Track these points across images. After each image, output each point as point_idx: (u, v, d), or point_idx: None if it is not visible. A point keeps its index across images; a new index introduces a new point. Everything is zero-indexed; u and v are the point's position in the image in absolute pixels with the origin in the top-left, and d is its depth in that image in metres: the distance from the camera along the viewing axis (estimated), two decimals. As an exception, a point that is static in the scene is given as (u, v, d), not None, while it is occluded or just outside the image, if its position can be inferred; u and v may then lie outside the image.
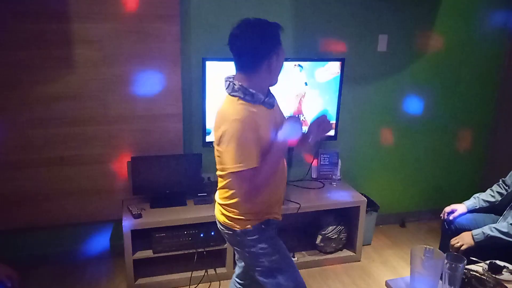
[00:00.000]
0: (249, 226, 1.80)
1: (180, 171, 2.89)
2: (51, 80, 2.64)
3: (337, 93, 3.06)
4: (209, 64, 2.75)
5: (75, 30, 2.60)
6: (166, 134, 2.91)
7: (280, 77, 1.81)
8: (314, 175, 3.31)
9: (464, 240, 2.35)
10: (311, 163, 3.27)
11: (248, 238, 1.81)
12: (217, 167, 1.81)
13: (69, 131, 2.74)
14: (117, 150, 2.85)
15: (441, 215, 2.67)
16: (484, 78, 3.57)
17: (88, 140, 2.78)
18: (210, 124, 2.87)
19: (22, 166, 2.72)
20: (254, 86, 1.71)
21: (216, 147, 1.75)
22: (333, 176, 3.26)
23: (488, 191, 2.63)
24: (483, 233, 2.30)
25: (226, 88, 1.77)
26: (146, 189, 2.86)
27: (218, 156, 1.75)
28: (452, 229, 2.58)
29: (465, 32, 3.39)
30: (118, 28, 2.66)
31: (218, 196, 1.90)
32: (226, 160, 1.66)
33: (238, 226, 1.81)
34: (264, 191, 1.70)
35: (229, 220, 1.83)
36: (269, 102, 1.77)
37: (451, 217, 2.59)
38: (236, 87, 1.71)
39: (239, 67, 1.76)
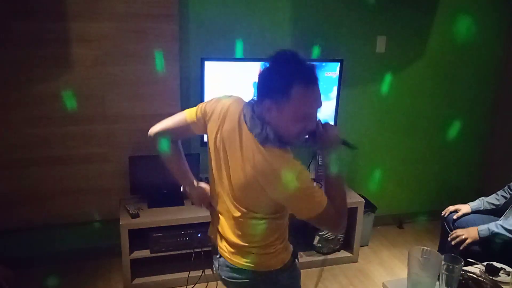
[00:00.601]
0: (284, 261, 1.60)
1: (178, 171, 2.88)
2: (49, 79, 2.63)
3: (335, 94, 3.06)
4: (207, 64, 2.75)
5: (74, 29, 2.60)
6: (164, 133, 2.90)
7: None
8: (312, 176, 3.30)
9: (469, 234, 2.40)
10: (309, 164, 3.27)
11: (286, 274, 1.61)
12: (230, 205, 1.56)
13: (66, 130, 2.73)
14: (115, 149, 2.84)
15: (443, 213, 2.69)
16: (483, 79, 3.58)
17: (86, 139, 2.78)
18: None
19: (19, 165, 2.71)
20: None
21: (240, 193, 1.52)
22: (331, 177, 3.25)
23: (494, 195, 2.65)
24: (489, 229, 2.35)
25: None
26: (144, 188, 2.86)
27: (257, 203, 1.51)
28: (452, 229, 2.60)
29: (464, 33, 3.39)
30: (116, 28, 2.65)
31: (242, 240, 1.57)
32: (303, 206, 1.48)
33: (276, 264, 1.59)
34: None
35: (263, 261, 1.58)
36: None
37: (454, 216, 2.61)
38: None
39: None
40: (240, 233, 1.57)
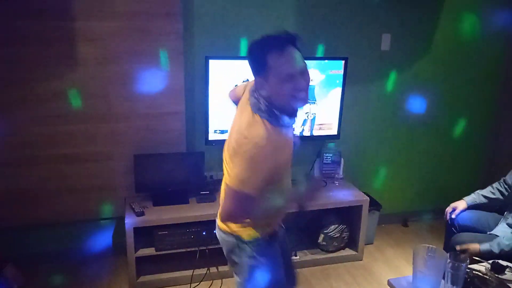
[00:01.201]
0: (253, 236, 1.73)
1: (183, 169, 2.89)
2: (54, 77, 2.65)
3: (340, 92, 3.06)
4: (212, 63, 2.75)
5: (79, 28, 2.61)
6: (169, 132, 2.91)
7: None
8: (316, 174, 3.31)
9: (471, 252, 2.30)
10: (314, 162, 3.27)
11: (251, 247, 1.73)
12: (224, 170, 1.72)
13: (72, 128, 2.75)
14: (120, 148, 2.85)
15: (444, 217, 2.68)
16: (487, 78, 3.57)
17: (91, 138, 2.79)
18: (213, 122, 2.87)
19: (25, 163, 2.73)
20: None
21: (226, 152, 1.67)
22: (336, 175, 3.26)
23: (489, 187, 2.64)
24: (491, 250, 2.24)
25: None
26: (149, 187, 2.87)
27: (226, 163, 1.68)
28: (456, 228, 2.59)
29: (469, 31, 3.37)
30: (121, 26, 2.66)
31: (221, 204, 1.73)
32: (232, 174, 1.57)
33: (243, 236, 1.73)
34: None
35: (228, 227, 1.75)
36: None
37: (453, 215, 2.60)
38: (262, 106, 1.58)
39: None
40: (222, 196, 1.70)
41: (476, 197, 2.63)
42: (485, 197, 2.61)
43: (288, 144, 1.65)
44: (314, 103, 3.02)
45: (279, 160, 1.58)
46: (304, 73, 1.54)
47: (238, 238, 1.73)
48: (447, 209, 2.67)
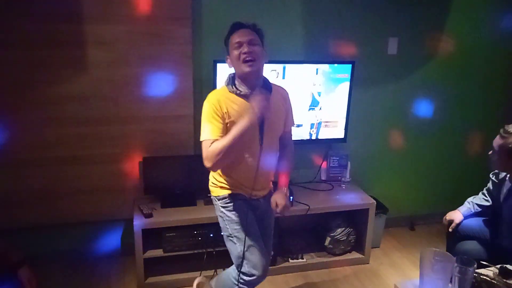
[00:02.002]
0: (220, 194, 2.12)
1: (191, 172, 2.91)
2: (65, 80, 2.68)
3: (347, 96, 3.06)
4: (220, 66, 2.77)
5: (89, 31, 2.64)
6: (177, 135, 2.93)
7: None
8: (323, 177, 3.32)
9: (451, 216, 2.56)
10: (320, 165, 3.28)
11: (219, 203, 2.13)
12: None
13: (82, 130, 2.78)
14: (129, 150, 2.88)
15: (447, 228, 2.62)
16: (495, 81, 3.56)
17: (100, 140, 2.82)
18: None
19: (35, 165, 2.76)
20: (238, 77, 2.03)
21: None
22: (342, 178, 3.26)
23: (481, 195, 2.62)
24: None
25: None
26: (157, 189, 2.89)
27: None
28: (457, 236, 2.56)
29: (476, 34, 3.37)
30: (131, 30, 2.69)
31: None
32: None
33: (213, 193, 2.16)
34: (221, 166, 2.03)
35: (210, 186, 2.19)
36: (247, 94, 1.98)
37: (450, 229, 2.56)
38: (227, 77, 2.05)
39: None
40: None
41: (470, 206, 2.59)
42: (479, 205, 2.59)
43: (238, 105, 1.98)
44: (316, 107, 3.04)
45: (228, 117, 1.95)
46: (251, 43, 1.94)
47: (213, 196, 2.17)
48: (443, 221, 2.63)
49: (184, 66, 2.83)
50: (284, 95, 2.16)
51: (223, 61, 2.76)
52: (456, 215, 2.58)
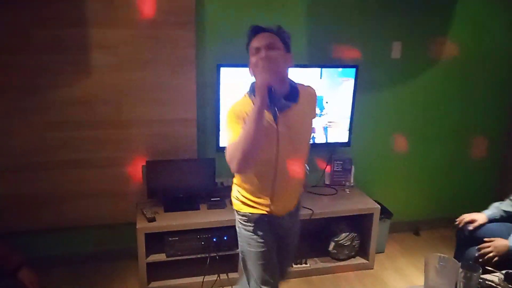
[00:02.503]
0: (240, 210, 2.01)
1: (194, 176, 2.91)
2: (68, 84, 2.69)
3: (351, 100, 3.06)
4: (223, 70, 2.77)
5: (92, 36, 2.65)
6: (181, 138, 2.93)
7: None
8: (327, 182, 3.30)
9: (498, 249, 2.25)
10: (324, 169, 3.27)
11: (238, 218, 2.04)
12: None
13: (85, 134, 2.78)
14: (132, 154, 2.88)
15: (456, 222, 2.57)
16: (499, 85, 3.54)
17: (103, 144, 2.82)
18: (223, 129, 2.88)
19: (38, 168, 2.77)
20: None
21: None
22: (346, 183, 3.25)
23: (508, 201, 2.54)
24: None
25: None
26: (160, 192, 2.89)
27: None
28: (468, 238, 2.50)
29: (480, 38, 3.36)
30: (134, 34, 2.70)
31: None
32: None
33: (235, 206, 2.05)
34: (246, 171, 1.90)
35: (231, 197, 2.09)
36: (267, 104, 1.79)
37: (471, 227, 2.48)
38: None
39: None
40: None
41: (496, 211, 2.52)
42: (505, 211, 2.50)
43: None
44: (322, 114, 3.03)
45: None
46: (269, 48, 1.79)
47: (234, 208, 2.05)
48: (465, 216, 2.54)
49: (188, 70, 2.83)
50: (312, 94, 1.99)
51: (227, 65, 2.81)
52: (480, 216, 2.50)
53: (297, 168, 1.96)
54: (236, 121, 1.81)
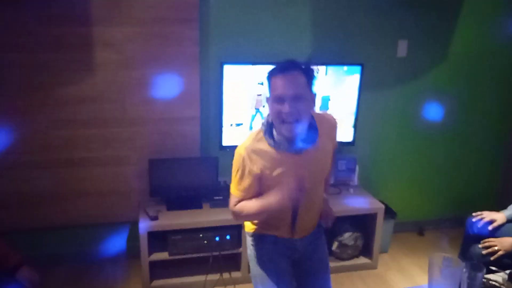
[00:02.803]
0: (251, 230, 1.92)
1: (197, 174, 2.90)
2: (72, 82, 2.69)
3: (356, 98, 3.04)
4: (227, 68, 2.77)
5: (96, 34, 2.65)
6: (184, 137, 2.93)
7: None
8: (331, 181, 3.28)
9: (503, 244, 2.24)
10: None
11: (249, 240, 1.94)
12: None
13: (88, 132, 2.79)
14: (136, 152, 2.88)
15: (474, 217, 2.48)
16: (506, 85, 3.51)
17: (107, 142, 2.82)
18: (227, 128, 2.88)
19: (41, 166, 2.77)
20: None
21: None
22: (350, 182, 3.23)
23: None
24: None
25: None
26: (163, 191, 2.88)
27: None
28: (475, 235, 2.44)
29: (487, 37, 3.33)
30: (138, 32, 2.70)
31: None
32: None
33: (246, 227, 1.96)
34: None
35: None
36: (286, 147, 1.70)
37: (490, 227, 2.39)
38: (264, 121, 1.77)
39: None
40: None
41: None
42: None
43: (272, 159, 1.71)
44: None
45: (261, 171, 1.70)
46: (295, 100, 1.61)
47: (247, 232, 1.95)
48: (484, 213, 2.46)
49: (191, 68, 2.82)
50: (332, 124, 1.85)
51: (230, 63, 2.80)
52: (499, 216, 2.43)
53: (317, 199, 1.89)
54: (240, 173, 1.71)
